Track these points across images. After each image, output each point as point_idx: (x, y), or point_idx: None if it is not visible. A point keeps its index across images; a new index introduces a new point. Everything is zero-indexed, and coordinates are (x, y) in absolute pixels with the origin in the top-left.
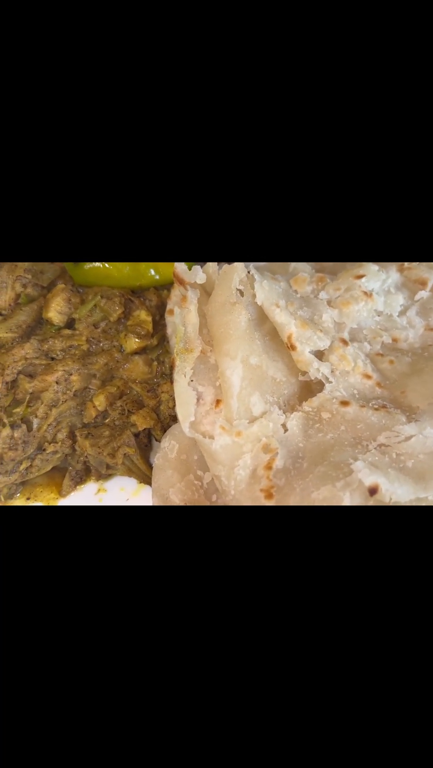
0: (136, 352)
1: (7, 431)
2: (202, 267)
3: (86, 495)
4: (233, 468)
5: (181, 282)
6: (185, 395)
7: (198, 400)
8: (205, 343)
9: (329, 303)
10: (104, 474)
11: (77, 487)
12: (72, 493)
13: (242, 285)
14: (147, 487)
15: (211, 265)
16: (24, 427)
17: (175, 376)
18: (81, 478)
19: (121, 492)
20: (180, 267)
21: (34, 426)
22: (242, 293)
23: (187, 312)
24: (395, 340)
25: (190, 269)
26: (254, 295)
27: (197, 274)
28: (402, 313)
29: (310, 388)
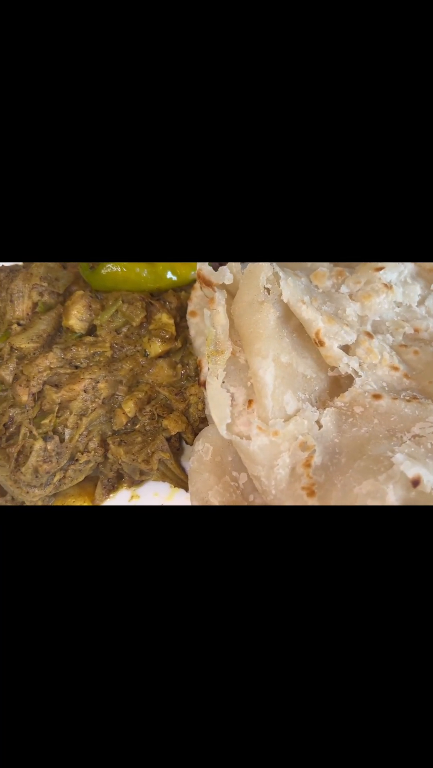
0: (160, 356)
1: (40, 444)
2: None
3: (119, 502)
4: (273, 468)
5: (208, 283)
6: (219, 397)
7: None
8: (234, 343)
9: (350, 296)
10: (137, 480)
11: (110, 495)
12: (105, 501)
13: (269, 283)
14: (180, 491)
15: (234, 265)
16: (56, 438)
17: (208, 378)
18: (113, 486)
19: (155, 497)
20: (205, 268)
21: (66, 436)
22: (268, 291)
23: (216, 313)
24: (416, 330)
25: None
26: (280, 293)
27: (225, 274)
28: (420, 302)
29: (338, 383)
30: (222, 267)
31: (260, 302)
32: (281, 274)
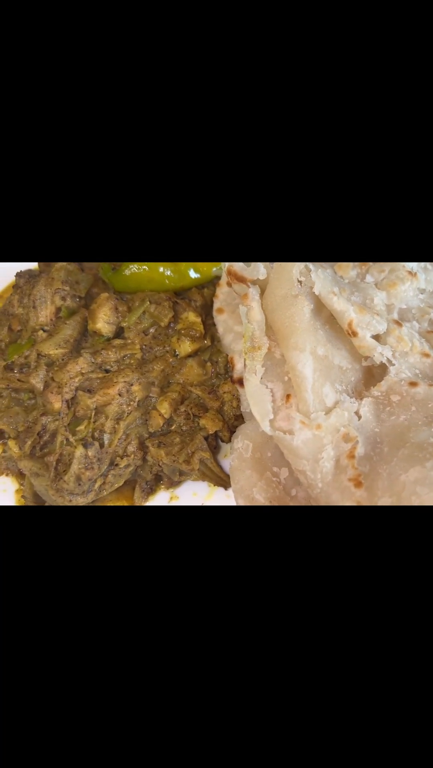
0: (189, 355)
1: (80, 450)
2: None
3: (159, 504)
4: (318, 461)
5: (241, 279)
6: (259, 394)
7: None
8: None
9: (376, 285)
10: (175, 481)
11: (149, 497)
12: (144, 504)
13: (302, 276)
14: (219, 489)
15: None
16: (96, 444)
17: (246, 375)
18: (151, 488)
19: (195, 497)
20: (237, 264)
21: (105, 442)
22: (300, 284)
23: (251, 309)
24: None
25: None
26: (311, 286)
27: (258, 269)
28: None
29: (371, 373)
30: (257, 263)
31: (294, 295)
32: (310, 266)
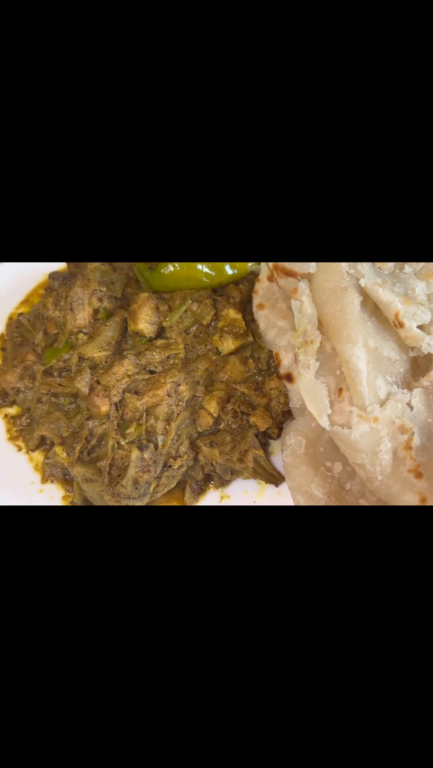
0: (231, 353)
1: (136, 453)
2: None
3: (210, 504)
4: (376, 454)
5: (291, 274)
6: (315, 389)
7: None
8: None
9: (414, 275)
10: (226, 480)
11: (199, 497)
12: (196, 504)
13: (351, 269)
14: (270, 487)
15: None
16: (152, 446)
17: (300, 370)
18: (201, 489)
19: (246, 495)
20: None
21: (159, 443)
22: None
23: (302, 304)
24: None
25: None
26: (357, 278)
27: (309, 263)
28: None
29: (417, 364)
30: None
31: (343, 288)
32: None
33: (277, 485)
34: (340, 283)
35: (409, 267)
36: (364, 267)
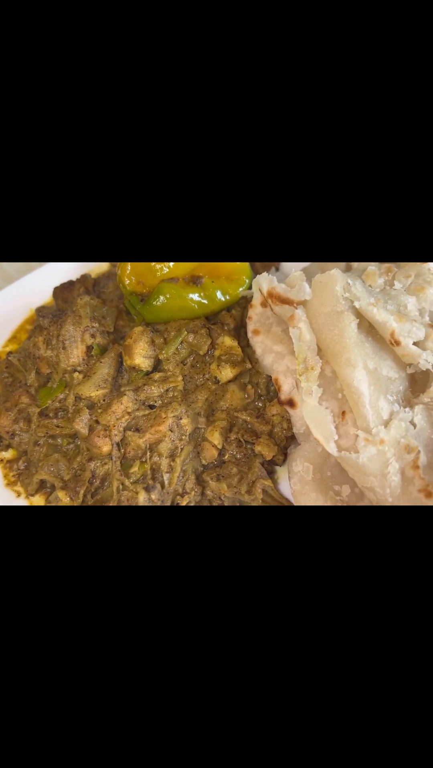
0: (230, 381)
1: (143, 496)
2: (275, 274)
3: None
4: (385, 476)
5: (286, 301)
6: (319, 415)
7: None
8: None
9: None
10: None
11: None
12: None
13: (346, 292)
14: None
15: (297, 276)
16: (158, 486)
17: (303, 396)
18: None
19: None
20: (279, 286)
21: (165, 482)
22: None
23: (300, 331)
24: None
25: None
26: (352, 300)
27: (304, 290)
28: None
29: (415, 380)
30: (301, 283)
31: (339, 312)
32: (349, 280)
33: None
34: (336, 307)
35: (399, 283)
36: (357, 288)
